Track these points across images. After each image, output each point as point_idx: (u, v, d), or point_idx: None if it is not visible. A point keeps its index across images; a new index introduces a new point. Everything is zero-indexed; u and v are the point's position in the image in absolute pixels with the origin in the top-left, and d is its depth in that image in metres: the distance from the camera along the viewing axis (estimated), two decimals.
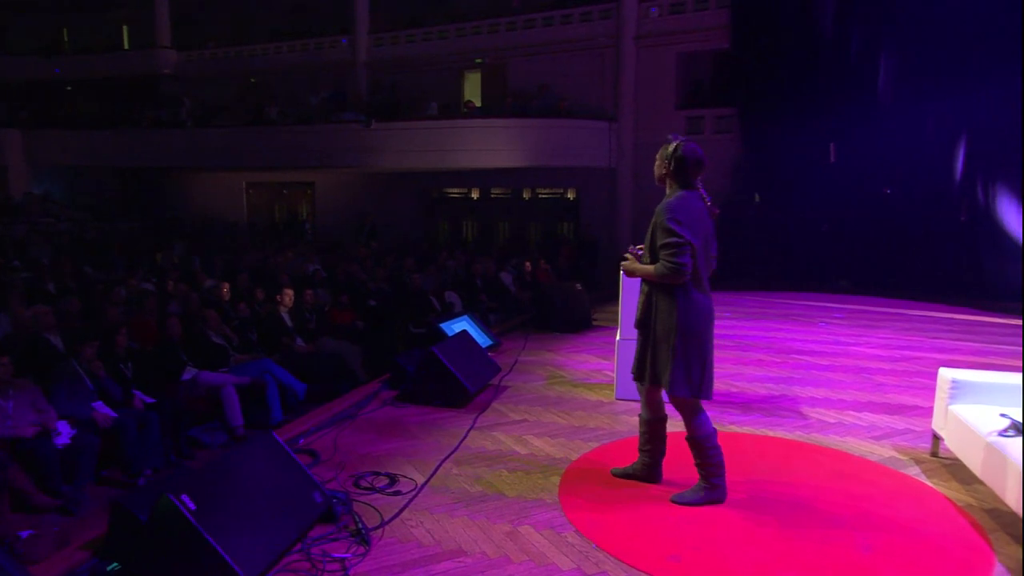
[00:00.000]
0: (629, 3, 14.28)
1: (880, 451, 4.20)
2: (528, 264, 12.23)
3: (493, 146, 14.44)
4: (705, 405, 3.26)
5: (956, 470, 3.89)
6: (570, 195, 16.84)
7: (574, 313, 7.96)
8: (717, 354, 3.44)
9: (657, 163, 3.30)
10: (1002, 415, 3.45)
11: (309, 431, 4.48)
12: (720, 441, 3.37)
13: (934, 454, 4.12)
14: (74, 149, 17.89)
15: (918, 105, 10.84)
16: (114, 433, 5.30)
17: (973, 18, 10.15)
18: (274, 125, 15.75)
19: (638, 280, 4.95)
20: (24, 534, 3.56)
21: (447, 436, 4.45)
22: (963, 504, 3.50)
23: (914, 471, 3.92)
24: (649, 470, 3.58)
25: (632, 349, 4.95)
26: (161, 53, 19.24)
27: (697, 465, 3.36)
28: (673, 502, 3.37)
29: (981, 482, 3.66)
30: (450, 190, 17.68)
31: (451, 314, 7.63)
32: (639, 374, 3.36)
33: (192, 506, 2.59)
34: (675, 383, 3.17)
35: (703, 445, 3.28)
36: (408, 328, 9.67)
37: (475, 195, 17.63)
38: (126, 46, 21.01)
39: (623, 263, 3.50)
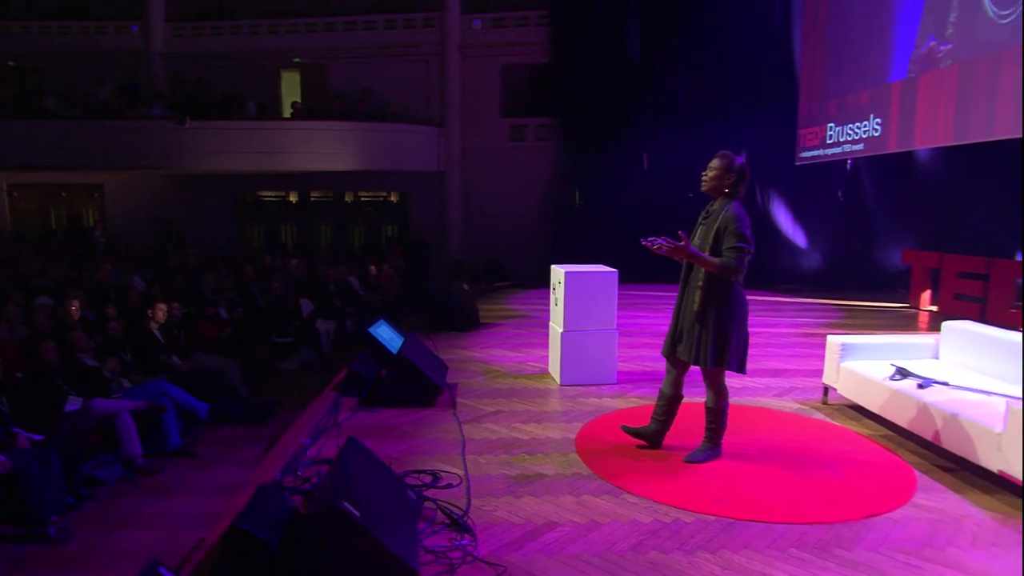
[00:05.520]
0: (452, 14, 14.88)
1: (788, 405, 5.31)
2: (373, 267, 12.33)
3: (321, 148, 14.14)
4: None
5: (847, 411, 5.11)
6: (393, 198, 16.99)
7: (466, 312, 8.36)
8: None
9: (716, 173, 3.86)
10: (892, 364, 4.68)
11: (307, 444, 4.40)
12: (684, 411, 4.21)
13: (825, 403, 5.33)
14: None
15: (711, 122, 12.89)
16: (12, 479, 4.66)
17: (752, 54, 12.43)
18: (55, 118, 13.66)
19: (583, 284, 5.63)
20: None
21: (444, 432, 4.68)
22: (866, 435, 4.67)
23: (820, 416, 5.06)
24: (658, 436, 4.23)
25: (576, 342, 5.63)
26: None
27: (709, 430, 4.06)
28: (688, 461, 4.04)
29: (871, 418, 4.89)
30: (265, 193, 16.82)
31: (371, 320, 7.58)
32: (696, 358, 3.90)
33: (356, 513, 2.66)
34: (731, 362, 3.85)
35: (724, 413, 4.01)
36: (271, 338, 9.31)
37: (293, 198, 16.98)
38: None
39: (678, 245, 3.72)
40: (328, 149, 14.11)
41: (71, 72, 15.08)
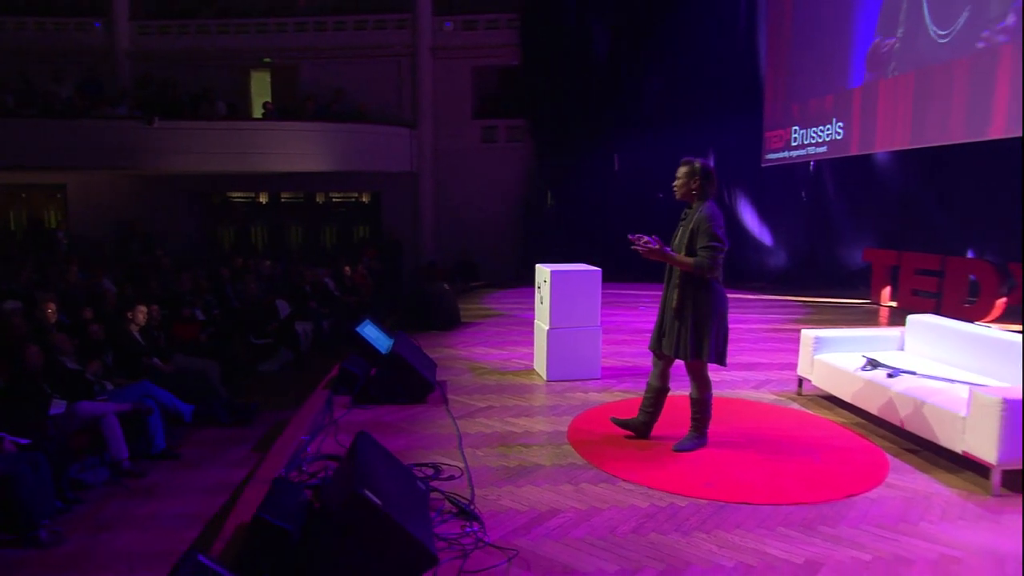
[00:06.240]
0: (424, 16, 14.96)
1: (766, 396, 5.58)
2: (347, 268, 12.36)
3: (292, 149, 14.07)
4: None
5: (821, 401, 5.39)
6: (365, 199, 16.98)
7: (448, 312, 8.48)
8: None
9: (682, 180, 4.08)
10: (863, 356, 4.96)
11: (307, 440, 4.49)
12: (670, 403, 4.42)
13: (800, 394, 5.61)
14: None
15: (677, 125, 13.21)
16: (3, 483, 4.65)
17: (719, 58, 12.81)
18: (14, 117, 13.28)
19: (568, 282, 5.81)
20: None
21: (439, 427, 4.81)
22: (839, 422, 4.94)
23: (796, 406, 5.33)
24: (646, 427, 4.43)
25: (561, 339, 5.80)
26: None
27: (695, 420, 4.27)
28: (676, 450, 4.25)
29: (843, 407, 5.18)
30: (234, 194, 16.65)
31: (356, 319, 7.65)
32: (676, 352, 4.11)
33: (378, 501, 2.78)
34: (710, 355, 4.04)
35: (708, 404, 4.22)
36: (249, 340, 9.30)
37: (263, 199, 16.84)
38: None
39: (652, 247, 3.96)
40: (300, 150, 14.05)
41: (28, 69, 14.63)
